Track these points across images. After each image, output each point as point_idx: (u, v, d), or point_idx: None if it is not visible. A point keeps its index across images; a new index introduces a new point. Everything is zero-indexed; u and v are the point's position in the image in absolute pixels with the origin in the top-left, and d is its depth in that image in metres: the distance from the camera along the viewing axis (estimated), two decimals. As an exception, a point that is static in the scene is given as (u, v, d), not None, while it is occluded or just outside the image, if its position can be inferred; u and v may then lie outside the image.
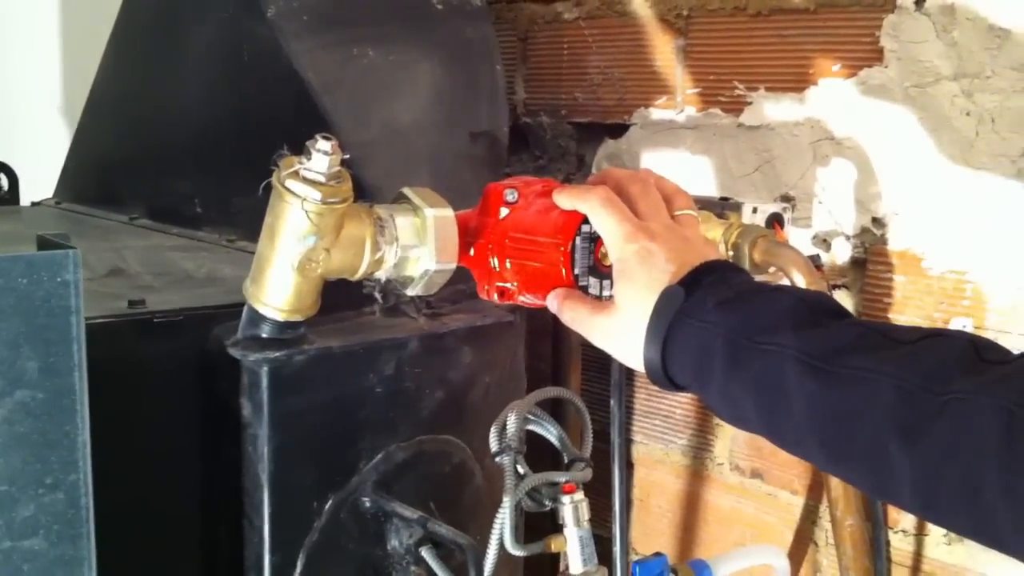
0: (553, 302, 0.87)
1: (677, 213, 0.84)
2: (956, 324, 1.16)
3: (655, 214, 0.83)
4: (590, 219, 0.85)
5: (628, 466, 0.98)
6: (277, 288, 0.91)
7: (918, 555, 1.25)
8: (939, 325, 1.18)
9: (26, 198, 1.75)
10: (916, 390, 0.62)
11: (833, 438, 0.67)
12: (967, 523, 0.62)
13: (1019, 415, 0.58)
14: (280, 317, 0.92)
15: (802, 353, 0.68)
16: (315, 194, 0.85)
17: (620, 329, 0.80)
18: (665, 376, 0.77)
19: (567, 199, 0.86)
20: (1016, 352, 0.64)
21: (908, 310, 1.21)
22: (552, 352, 1.47)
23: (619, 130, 1.53)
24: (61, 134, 2.18)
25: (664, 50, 1.45)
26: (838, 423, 0.66)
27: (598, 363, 1.55)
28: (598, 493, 0.98)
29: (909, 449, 0.62)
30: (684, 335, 0.75)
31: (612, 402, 0.91)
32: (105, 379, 0.82)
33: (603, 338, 0.82)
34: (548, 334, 1.45)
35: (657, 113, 1.47)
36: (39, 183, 1.77)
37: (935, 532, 1.23)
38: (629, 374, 1.54)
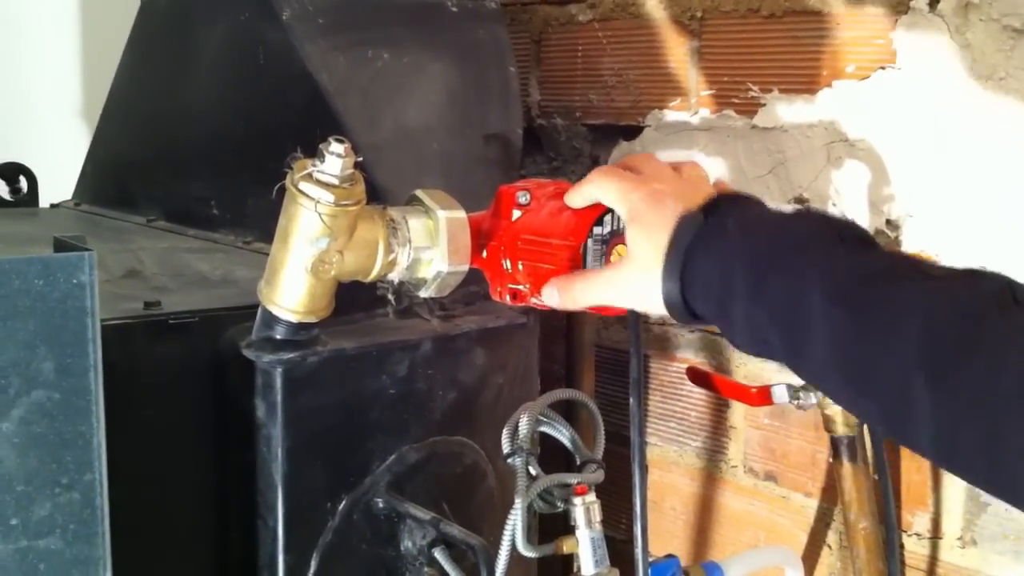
0: (553, 292, 0.85)
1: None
2: (970, 326, 1.16)
3: (659, 172, 0.81)
4: (597, 194, 0.84)
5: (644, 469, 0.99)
6: (291, 290, 0.91)
7: (932, 558, 1.25)
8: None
9: (45, 200, 1.76)
10: (947, 327, 0.59)
11: (856, 368, 0.64)
12: (983, 474, 0.60)
13: None
14: (294, 319, 0.93)
15: (829, 276, 0.65)
16: (328, 196, 0.86)
17: (635, 274, 0.77)
18: (686, 308, 0.74)
19: (576, 194, 0.86)
20: None
21: (922, 312, 1.21)
22: (565, 354, 1.47)
23: (633, 132, 1.53)
24: (80, 136, 2.20)
25: (678, 52, 1.45)
26: (863, 352, 0.63)
27: (612, 365, 1.55)
28: (610, 495, 0.98)
29: (934, 390, 0.59)
30: (704, 260, 0.72)
31: (631, 400, 0.91)
32: (120, 380, 0.83)
33: (619, 290, 0.80)
34: (562, 336, 1.45)
35: (671, 115, 1.47)
36: (58, 185, 1.79)
37: (949, 535, 1.22)
38: (645, 373, 1.54)
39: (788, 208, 0.81)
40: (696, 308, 0.74)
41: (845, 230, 0.70)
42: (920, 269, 0.65)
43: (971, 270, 0.64)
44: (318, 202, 0.86)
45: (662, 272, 0.75)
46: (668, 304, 0.75)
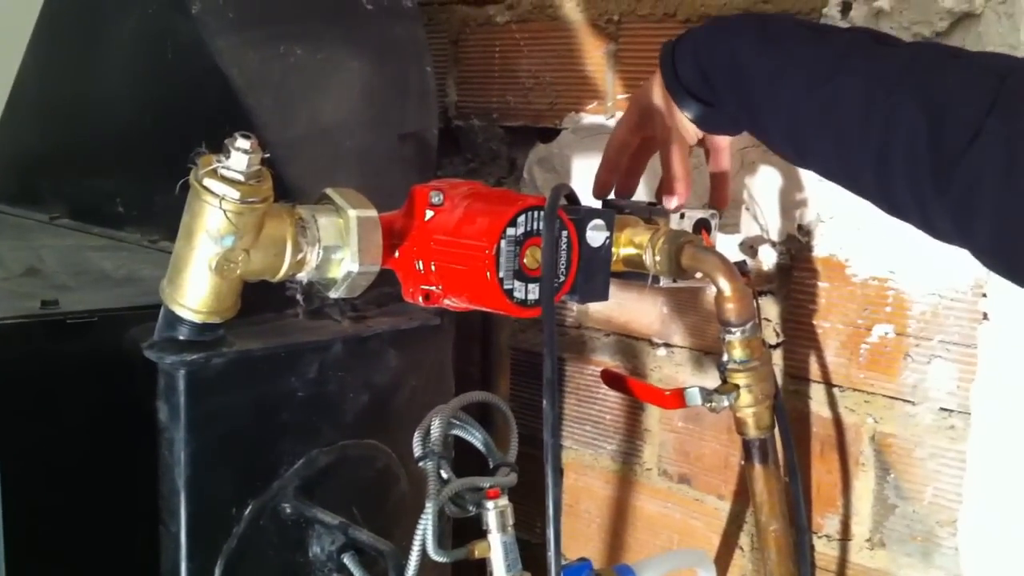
0: None
1: None
2: (879, 330, 1.17)
3: None
4: None
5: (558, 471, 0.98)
6: (194, 289, 0.89)
7: (842, 560, 1.26)
8: (862, 332, 1.19)
9: (-58, 196, 1.70)
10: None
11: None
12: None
13: None
14: (197, 319, 0.90)
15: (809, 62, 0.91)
16: (234, 193, 0.84)
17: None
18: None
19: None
20: None
21: (832, 316, 1.22)
22: (481, 356, 1.46)
23: (550, 134, 1.52)
24: (-18, 131, 2.12)
25: (595, 55, 1.45)
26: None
27: (528, 368, 1.55)
28: (525, 498, 0.97)
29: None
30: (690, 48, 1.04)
31: (544, 401, 0.90)
32: (15, 381, 0.80)
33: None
34: (477, 338, 1.44)
35: (588, 118, 1.47)
36: (-43, 181, 1.72)
37: (858, 537, 1.24)
38: (560, 376, 1.54)
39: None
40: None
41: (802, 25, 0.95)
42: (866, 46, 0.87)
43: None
44: (223, 199, 0.84)
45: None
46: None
